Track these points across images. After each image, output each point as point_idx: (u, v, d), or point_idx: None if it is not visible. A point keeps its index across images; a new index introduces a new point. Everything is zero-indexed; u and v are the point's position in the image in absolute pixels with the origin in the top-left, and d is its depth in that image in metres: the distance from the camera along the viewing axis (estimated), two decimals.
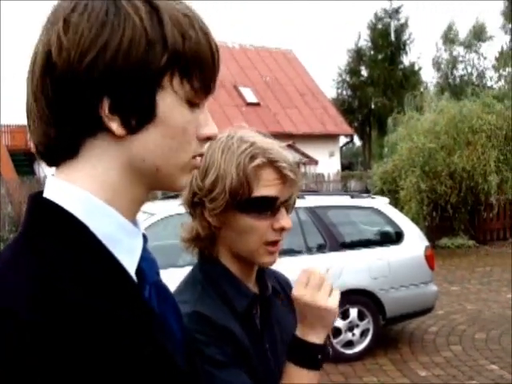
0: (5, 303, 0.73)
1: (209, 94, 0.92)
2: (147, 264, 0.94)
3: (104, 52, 0.80)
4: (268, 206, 1.41)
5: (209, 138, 0.94)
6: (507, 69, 31.28)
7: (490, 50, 78.97)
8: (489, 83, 37.63)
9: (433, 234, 14.25)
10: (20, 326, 0.71)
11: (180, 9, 0.85)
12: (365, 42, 39.81)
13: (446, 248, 15.51)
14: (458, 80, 40.85)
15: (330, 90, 42.38)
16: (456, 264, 13.54)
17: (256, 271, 1.54)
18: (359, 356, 6.99)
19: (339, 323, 6.87)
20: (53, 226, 0.83)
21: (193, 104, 0.89)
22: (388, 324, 7.50)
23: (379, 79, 37.78)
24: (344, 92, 40.17)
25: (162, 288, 1.00)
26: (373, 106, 39.03)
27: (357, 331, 7.01)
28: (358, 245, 7.43)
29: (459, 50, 41.62)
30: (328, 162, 25.73)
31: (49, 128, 0.85)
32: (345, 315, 6.93)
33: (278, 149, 1.42)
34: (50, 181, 0.88)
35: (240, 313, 1.43)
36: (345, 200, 7.87)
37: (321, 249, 7.05)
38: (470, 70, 41.20)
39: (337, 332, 6.83)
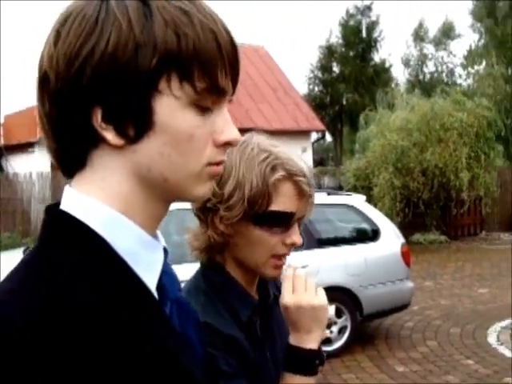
0: (5, 311, 0.72)
1: (223, 95, 0.85)
2: (168, 279, 0.91)
3: (91, 58, 0.77)
4: (283, 222, 1.40)
5: (228, 144, 0.87)
6: (475, 67, 31.60)
7: (460, 48, 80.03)
8: (458, 81, 38.01)
9: (405, 229, 14.37)
10: (25, 330, 0.70)
11: (178, 5, 0.80)
12: (336, 38, 39.88)
13: (419, 244, 15.66)
14: (428, 77, 41.20)
15: (302, 86, 42.40)
16: (428, 260, 13.69)
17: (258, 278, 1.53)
18: (337, 353, 7.04)
19: None
20: (69, 238, 0.81)
21: (203, 108, 0.83)
22: (365, 321, 7.58)
23: (350, 76, 37.75)
24: (316, 88, 40.20)
25: (184, 304, 0.98)
26: (344, 102, 39.10)
27: (335, 328, 7.06)
28: (334, 242, 7.50)
29: (429, 48, 42.00)
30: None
31: (51, 142, 0.84)
32: None
33: (294, 160, 1.41)
34: (66, 192, 0.86)
35: (243, 322, 1.42)
36: (321, 197, 7.87)
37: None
38: (439, 67, 41.58)
39: None
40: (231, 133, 0.87)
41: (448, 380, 6.28)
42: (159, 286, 0.87)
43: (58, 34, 0.80)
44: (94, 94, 0.78)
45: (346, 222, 8.04)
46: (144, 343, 0.79)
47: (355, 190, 15.05)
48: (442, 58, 41.52)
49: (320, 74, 39.92)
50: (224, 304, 1.42)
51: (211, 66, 0.81)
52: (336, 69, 39.92)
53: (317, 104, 36.67)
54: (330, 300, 5.81)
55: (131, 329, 0.78)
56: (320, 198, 7.89)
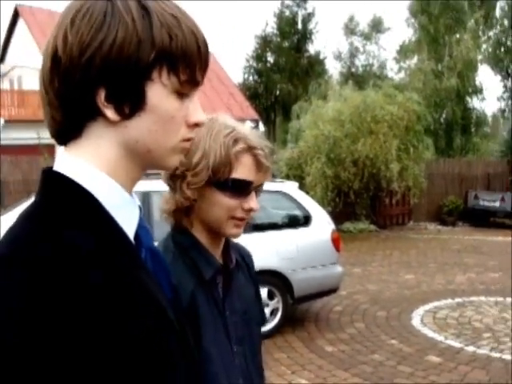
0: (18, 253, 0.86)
1: (196, 86, 1.04)
2: (143, 231, 1.08)
3: (100, 49, 0.92)
4: (242, 189, 1.59)
5: (196, 125, 1.06)
6: (407, 61, 32.35)
7: (391, 42, 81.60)
8: (389, 74, 38.81)
9: (336, 218, 14.67)
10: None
11: (169, 10, 0.97)
12: (272, 29, 39.98)
13: (349, 232, 16.08)
14: (360, 70, 41.90)
15: (238, 76, 42.39)
16: (358, 247, 14.09)
17: (223, 244, 1.70)
18: (269, 334, 7.23)
19: None
20: (61, 194, 0.96)
21: (181, 94, 1.01)
22: (296, 303, 7.82)
23: (285, 66, 38.08)
24: (250, 78, 40.31)
25: (156, 252, 1.15)
26: (278, 93, 39.30)
27: (267, 310, 7.24)
28: (267, 227, 7.66)
29: (360, 41, 42.69)
30: None
31: (56, 113, 0.99)
32: None
33: (255, 135, 1.61)
34: (60, 155, 1.02)
35: (206, 281, 1.59)
36: None
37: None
38: (371, 60, 42.35)
39: None
40: (200, 116, 1.07)
41: (374, 358, 6.58)
42: (136, 237, 1.04)
43: (72, 23, 0.94)
44: (100, 78, 0.94)
45: (279, 208, 8.20)
46: (130, 281, 0.96)
47: (288, 178, 15.23)
48: (373, 51, 42.33)
49: (255, 64, 40.02)
50: (189, 263, 1.60)
51: (192, 63, 1.00)
52: (271, 59, 40.09)
53: (251, 93, 36.83)
54: (263, 283, 6.02)
55: (121, 267, 0.95)
56: None
